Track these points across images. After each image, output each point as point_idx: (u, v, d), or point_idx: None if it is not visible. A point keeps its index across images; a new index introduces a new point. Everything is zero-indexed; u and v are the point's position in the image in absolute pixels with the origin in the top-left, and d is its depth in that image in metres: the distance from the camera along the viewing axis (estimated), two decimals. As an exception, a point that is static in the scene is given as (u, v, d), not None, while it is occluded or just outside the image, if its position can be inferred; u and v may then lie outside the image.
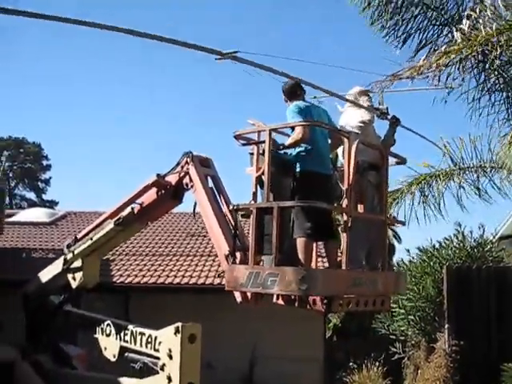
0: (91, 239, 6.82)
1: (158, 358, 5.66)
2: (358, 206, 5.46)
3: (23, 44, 53.30)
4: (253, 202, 5.10)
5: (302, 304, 4.97)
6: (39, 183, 45.59)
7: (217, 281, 12.34)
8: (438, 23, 7.89)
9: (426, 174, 9.21)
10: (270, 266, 4.81)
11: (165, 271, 13.27)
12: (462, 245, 12.86)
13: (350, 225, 4.97)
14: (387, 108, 5.94)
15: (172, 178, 6.13)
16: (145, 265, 13.78)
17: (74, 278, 7.12)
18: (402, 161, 5.93)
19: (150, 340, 5.89)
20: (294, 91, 5.46)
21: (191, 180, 5.91)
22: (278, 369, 11.98)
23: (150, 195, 6.37)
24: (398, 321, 12.75)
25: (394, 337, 12.81)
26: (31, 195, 45.23)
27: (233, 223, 5.36)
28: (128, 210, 6.49)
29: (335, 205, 5.31)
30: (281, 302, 5.09)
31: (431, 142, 6.88)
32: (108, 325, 6.65)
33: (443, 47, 7.13)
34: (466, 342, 10.49)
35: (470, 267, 11.71)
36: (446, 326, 11.03)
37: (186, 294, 12.64)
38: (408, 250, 16.07)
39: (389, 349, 12.66)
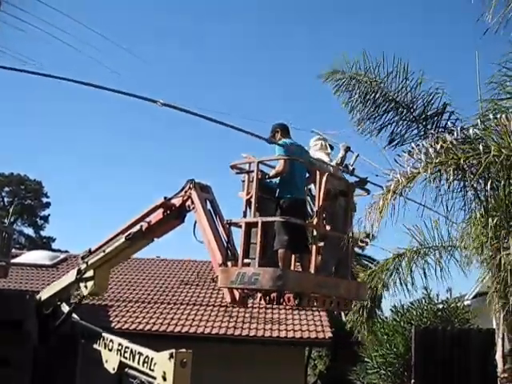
0: (104, 252, 7.98)
1: (153, 378, 6.64)
2: (329, 225, 6.70)
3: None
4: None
5: (279, 301, 6.17)
6: (38, 220, 45.97)
7: (207, 330, 13.47)
8: (407, 119, 8.88)
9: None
10: (254, 267, 6.02)
11: (159, 319, 14.16)
12: (429, 307, 14.02)
13: (318, 238, 6.27)
14: (353, 169, 7.17)
15: (176, 201, 7.42)
16: (141, 312, 14.63)
17: (85, 287, 8.19)
18: (362, 182, 7.10)
19: (146, 360, 6.91)
20: (281, 130, 6.73)
21: (193, 202, 7.18)
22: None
23: (157, 215, 7.62)
24: (371, 374, 13.65)
25: (368, 388, 13.69)
26: (29, 231, 45.63)
27: (226, 239, 6.58)
28: (137, 227, 7.71)
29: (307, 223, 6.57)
30: (262, 301, 6.28)
31: None
32: (111, 340, 7.65)
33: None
34: (431, 397, 11.36)
35: (436, 328, 12.74)
36: (413, 381, 11.91)
37: (177, 341, 12.75)
38: (382, 311, 17.13)
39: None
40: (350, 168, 7.15)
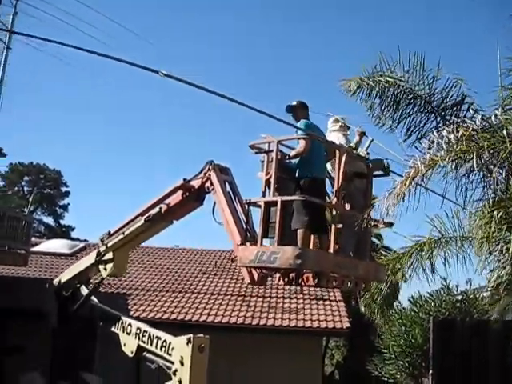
0: (123, 234, 8.01)
1: (171, 362, 6.63)
2: (346, 206, 6.67)
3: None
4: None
5: (297, 281, 6.15)
6: (57, 209, 46.37)
7: (225, 319, 13.40)
8: (425, 111, 8.67)
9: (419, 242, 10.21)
10: (273, 246, 6.00)
11: (177, 308, 14.06)
12: (448, 297, 13.92)
13: (337, 218, 6.24)
14: (368, 153, 7.15)
15: (196, 183, 7.42)
16: (159, 300, 14.58)
17: (105, 269, 8.22)
18: (381, 164, 7.09)
19: (164, 344, 6.88)
20: (303, 108, 6.74)
21: (212, 184, 7.18)
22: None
23: (176, 196, 7.62)
24: (389, 365, 13.60)
25: (386, 379, 13.63)
26: (49, 220, 46.10)
27: (245, 220, 6.58)
28: (156, 209, 7.72)
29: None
30: (281, 281, 6.25)
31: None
32: (129, 324, 7.66)
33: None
34: (448, 388, 11.30)
35: (455, 319, 12.67)
36: (430, 371, 11.84)
37: (195, 330, 13.07)
38: (399, 302, 17.09)
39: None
40: (364, 153, 7.12)
